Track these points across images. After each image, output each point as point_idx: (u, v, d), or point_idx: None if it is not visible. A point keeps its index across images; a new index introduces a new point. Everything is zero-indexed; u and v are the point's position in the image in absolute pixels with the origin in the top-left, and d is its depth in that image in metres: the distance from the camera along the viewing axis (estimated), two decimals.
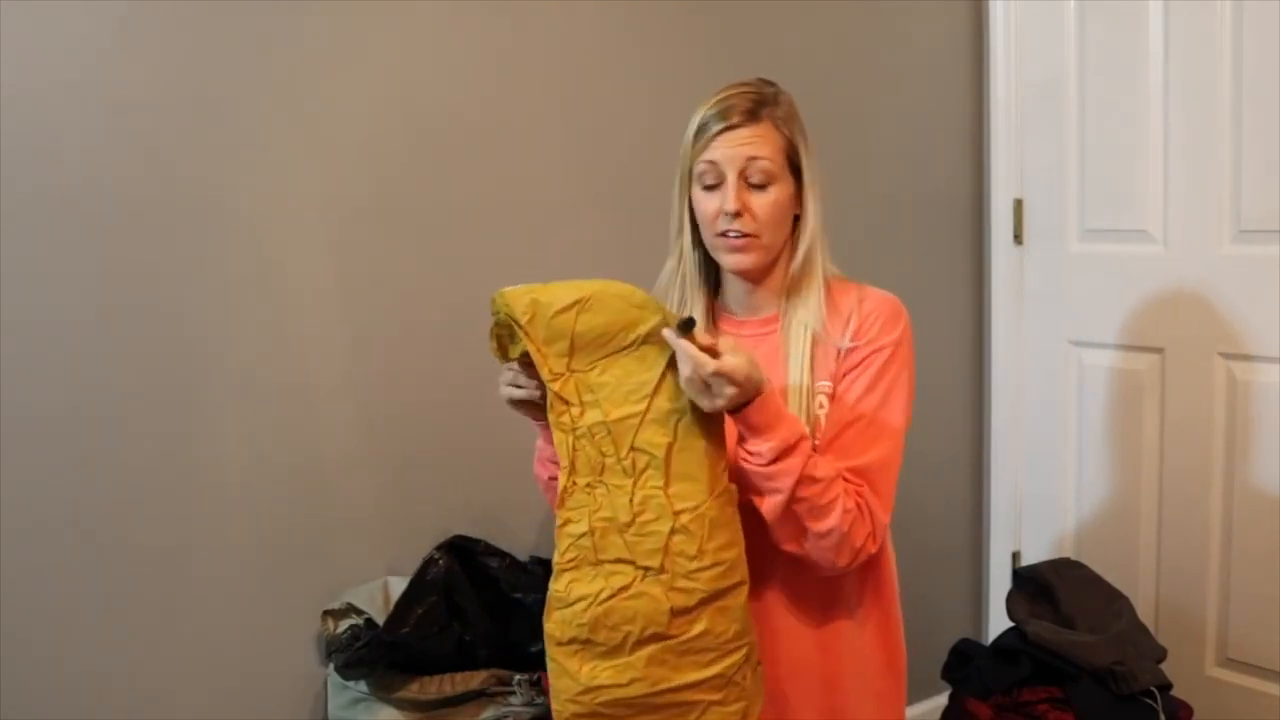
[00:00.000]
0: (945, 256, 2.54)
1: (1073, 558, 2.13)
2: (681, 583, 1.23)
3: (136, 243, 1.59)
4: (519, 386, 1.33)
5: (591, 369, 1.25)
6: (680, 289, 1.45)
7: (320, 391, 1.76)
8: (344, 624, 1.71)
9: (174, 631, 1.65)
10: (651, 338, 1.23)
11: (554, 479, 1.39)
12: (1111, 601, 1.91)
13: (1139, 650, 1.79)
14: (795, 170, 1.38)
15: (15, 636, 1.52)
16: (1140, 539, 2.33)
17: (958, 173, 2.54)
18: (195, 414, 1.65)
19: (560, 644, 1.25)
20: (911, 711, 1.58)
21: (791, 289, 1.42)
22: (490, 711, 1.63)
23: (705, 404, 1.22)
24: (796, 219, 1.41)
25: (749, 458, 1.27)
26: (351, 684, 1.65)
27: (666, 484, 1.22)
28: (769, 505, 1.28)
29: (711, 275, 1.46)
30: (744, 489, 1.30)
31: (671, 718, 1.25)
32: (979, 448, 2.62)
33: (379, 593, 1.77)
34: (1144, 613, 2.03)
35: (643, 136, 2.05)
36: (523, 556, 1.80)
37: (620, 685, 1.24)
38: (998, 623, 2.44)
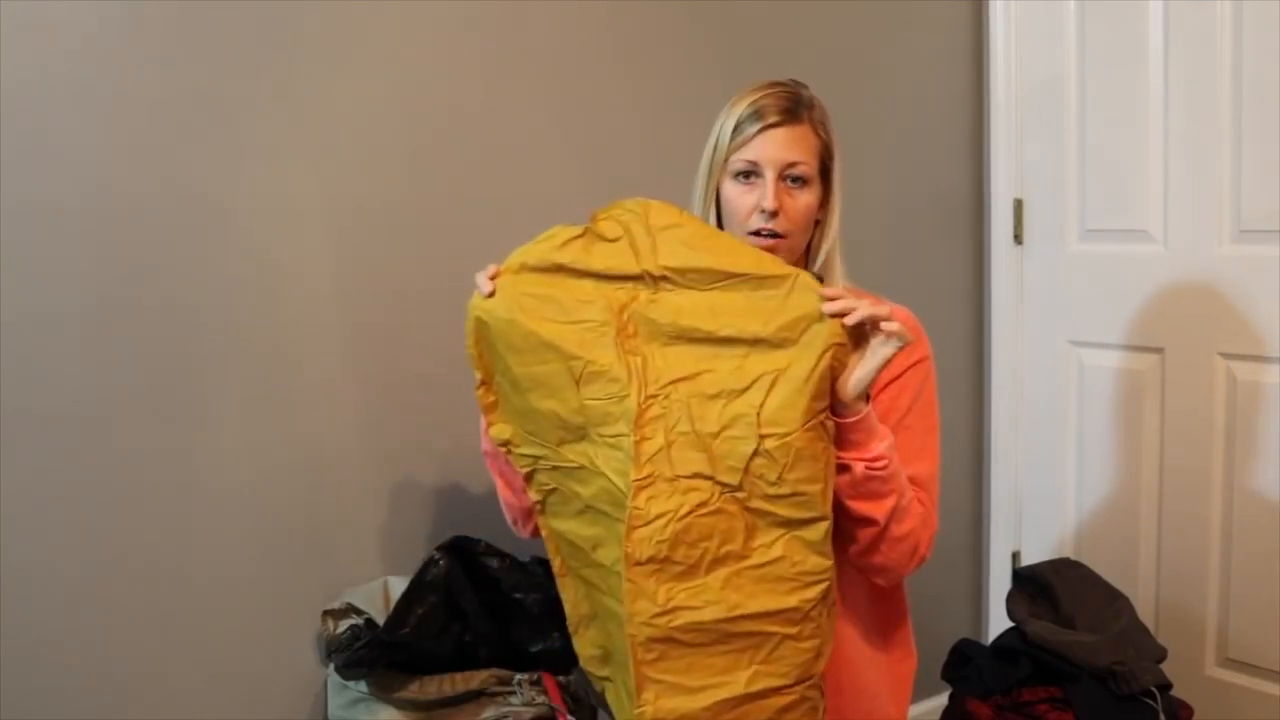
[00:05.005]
0: (945, 256, 2.54)
1: (1073, 558, 2.13)
2: (757, 503, 1.21)
3: (136, 243, 1.59)
4: None
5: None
6: None
7: (320, 391, 1.76)
8: (344, 624, 1.71)
9: (173, 631, 1.64)
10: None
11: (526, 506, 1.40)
12: (1111, 601, 1.90)
13: (1139, 650, 1.78)
14: (824, 174, 1.39)
15: (15, 636, 1.52)
16: (1140, 539, 2.33)
17: (958, 173, 2.53)
18: (195, 413, 1.65)
19: (638, 564, 1.22)
20: (911, 711, 1.57)
21: None
22: (490, 711, 1.63)
23: (875, 357, 1.23)
24: (816, 223, 1.42)
25: (876, 465, 1.26)
26: (351, 684, 1.65)
27: (762, 404, 1.20)
28: (885, 508, 1.28)
29: None
30: (859, 498, 1.28)
31: (746, 648, 1.22)
32: (979, 448, 2.62)
33: (379, 593, 1.76)
34: (1144, 613, 2.03)
35: (644, 135, 2.05)
36: (523, 556, 1.79)
37: (696, 608, 1.21)
38: (998, 623, 2.44)
